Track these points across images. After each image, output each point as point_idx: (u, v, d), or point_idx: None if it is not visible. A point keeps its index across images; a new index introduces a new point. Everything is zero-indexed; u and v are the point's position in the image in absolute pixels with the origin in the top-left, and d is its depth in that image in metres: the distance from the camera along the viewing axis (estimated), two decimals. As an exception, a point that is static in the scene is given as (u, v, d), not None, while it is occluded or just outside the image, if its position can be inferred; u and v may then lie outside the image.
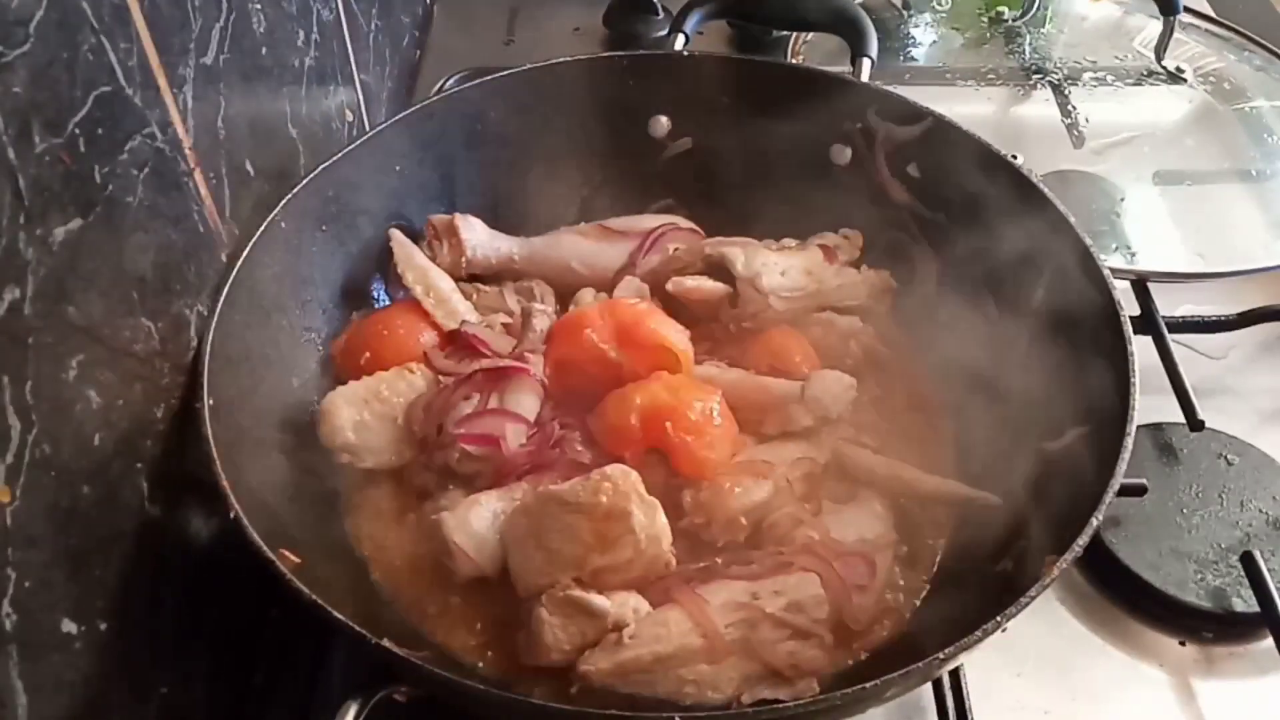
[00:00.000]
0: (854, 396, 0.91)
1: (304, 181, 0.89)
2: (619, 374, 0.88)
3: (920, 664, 0.65)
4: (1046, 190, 0.91)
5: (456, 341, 0.92)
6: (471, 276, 1.02)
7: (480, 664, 0.79)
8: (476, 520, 0.79)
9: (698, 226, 1.06)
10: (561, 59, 1.06)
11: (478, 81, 1.05)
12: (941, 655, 0.65)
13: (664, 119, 1.11)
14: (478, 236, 1.02)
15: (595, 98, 1.07)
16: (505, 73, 1.05)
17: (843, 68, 1.13)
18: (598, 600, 0.73)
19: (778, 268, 0.97)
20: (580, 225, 1.07)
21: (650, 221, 1.06)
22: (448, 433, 0.85)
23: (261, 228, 0.84)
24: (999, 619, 0.66)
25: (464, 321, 0.94)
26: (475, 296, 1.00)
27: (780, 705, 0.70)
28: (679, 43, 1.17)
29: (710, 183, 1.09)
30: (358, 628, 0.65)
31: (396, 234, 0.97)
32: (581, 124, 1.08)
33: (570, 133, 1.08)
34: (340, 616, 0.65)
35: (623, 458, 0.83)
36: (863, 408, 0.93)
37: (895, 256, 1.03)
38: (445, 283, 0.97)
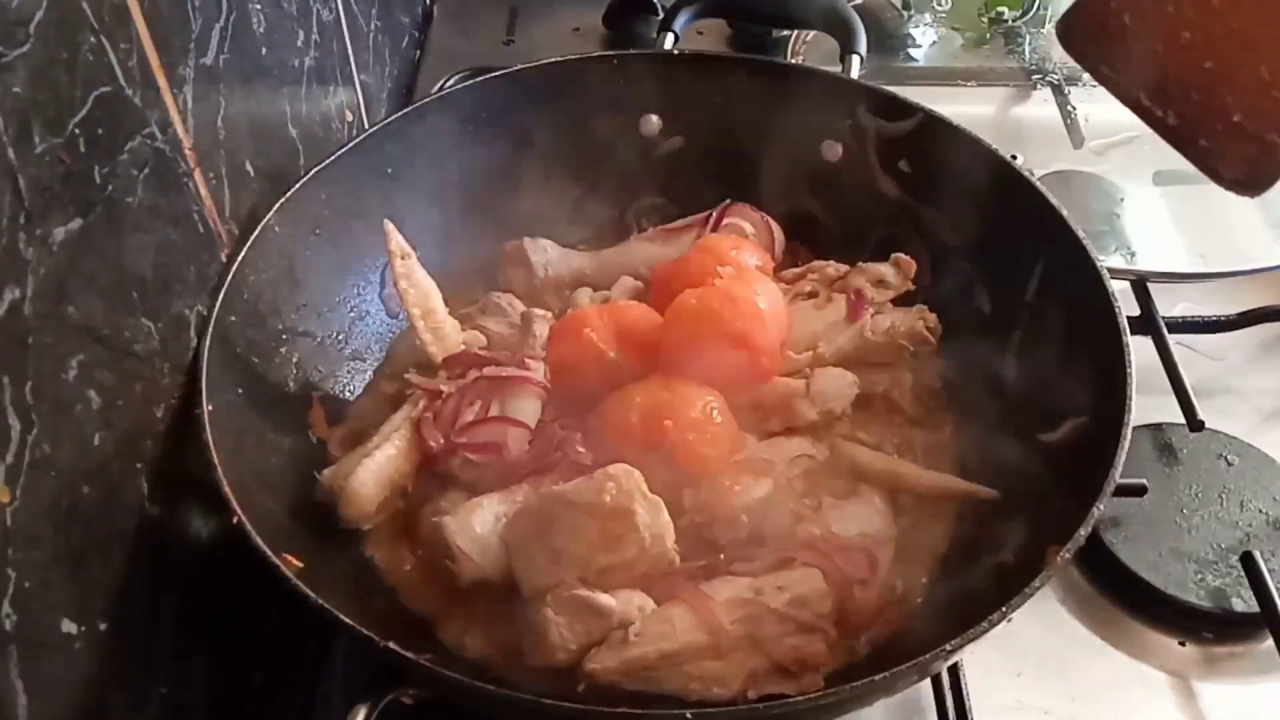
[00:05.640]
0: (856, 393, 0.91)
1: (296, 186, 0.89)
2: (617, 375, 0.88)
3: (927, 655, 0.65)
4: (1034, 180, 0.91)
5: (454, 363, 0.91)
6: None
7: (485, 665, 0.78)
8: (479, 523, 0.78)
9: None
10: (551, 59, 1.07)
11: (467, 84, 1.05)
12: (949, 646, 0.65)
13: (655, 118, 1.11)
14: (547, 256, 1.03)
15: (586, 98, 1.07)
16: (495, 74, 1.05)
17: (837, 66, 1.14)
18: (603, 599, 0.73)
19: None
20: (647, 231, 1.08)
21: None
22: (450, 441, 0.85)
23: (255, 233, 0.84)
24: (1004, 609, 0.66)
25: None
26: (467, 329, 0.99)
27: (788, 700, 0.71)
28: (668, 41, 1.18)
29: (702, 181, 1.09)
30: (364, 630, 0.65)
31: (392, 232, 0.94)
32: (573, 124, 1.09)
33: (561, 133, 1.08)
34: (347, 620, 0.65)
35: (624, 457, 0.83)
36: (860, 404, 0.92)
37: (888, 252, 1.03)
38: (441, 305, 0.94)
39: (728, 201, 1.06)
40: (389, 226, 0.91)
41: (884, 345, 0.94)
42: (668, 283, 0.97)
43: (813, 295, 0.98)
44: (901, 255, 0.97)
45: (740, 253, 0.97)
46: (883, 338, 0.94)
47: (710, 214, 1.06)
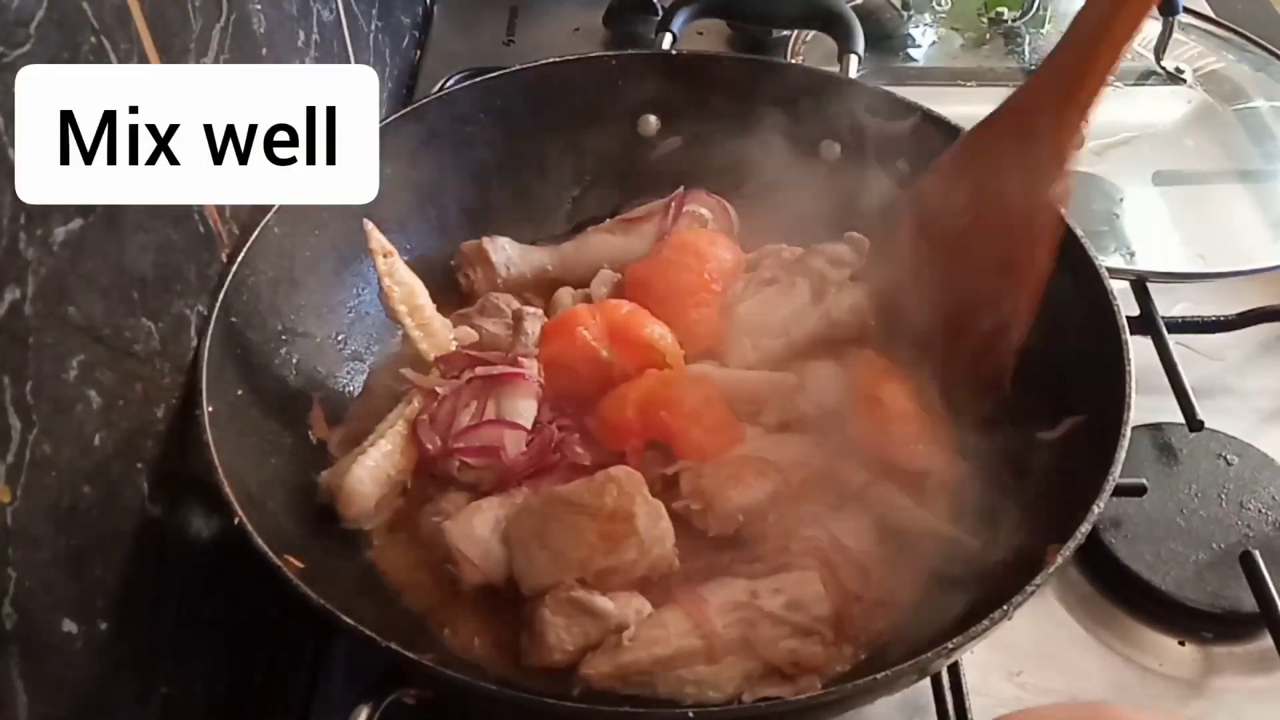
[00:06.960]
0: (845, 385, 0.91)
1: None
2: (610, 373, 0.88)
3: (927, 654, 0.65)
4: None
5: (447, 364, 0.91)
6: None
7: (486, 665, 0.78)
8: (480, 527, 0.79)
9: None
10: (550, 60, 1.07)
11: (466, 84, 1.06)
12: (949, 645, 0.65)
13: (653, 118, 1.11)
14: (508, 254, 1.02)
15: (584, 98, 1.08)
16: (493, 74, 1.05)
17: (836, 66, 1.14)
18: (600, 602, 0.73)
19: (747, 343, 0.95)
20: (605, 223, 1.07)
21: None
22: (448, 445, 0.84)
23: (255, 233, 0.84)
24: (1004, 609, 0.66)
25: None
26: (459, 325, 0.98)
27: (786, 700, 0.71)
28: (667, 41, 1.18)
29: (700, 181, 1.09)
30: (366, 631, 0.65)
31: (372, 230, 0.90)
32: (571, 124, 1.09)
33: (560, 133, 1.09)
34: (349, 620, 0.65)
35: (623, 455, 0.83)
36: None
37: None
38: (428, 302, 0.93)
39: (682, 188, 1.06)
40: (368, 225, 0.90)
41: (851, 322, 0.96)
42: (648, 283, 0.97)
43: (773, 281, 0.98)
44: (855, 233, 0.99)
45: (717, 248, 0.99)
46: (848, 314, 0.96)
47: (668, 201, 1.06)
